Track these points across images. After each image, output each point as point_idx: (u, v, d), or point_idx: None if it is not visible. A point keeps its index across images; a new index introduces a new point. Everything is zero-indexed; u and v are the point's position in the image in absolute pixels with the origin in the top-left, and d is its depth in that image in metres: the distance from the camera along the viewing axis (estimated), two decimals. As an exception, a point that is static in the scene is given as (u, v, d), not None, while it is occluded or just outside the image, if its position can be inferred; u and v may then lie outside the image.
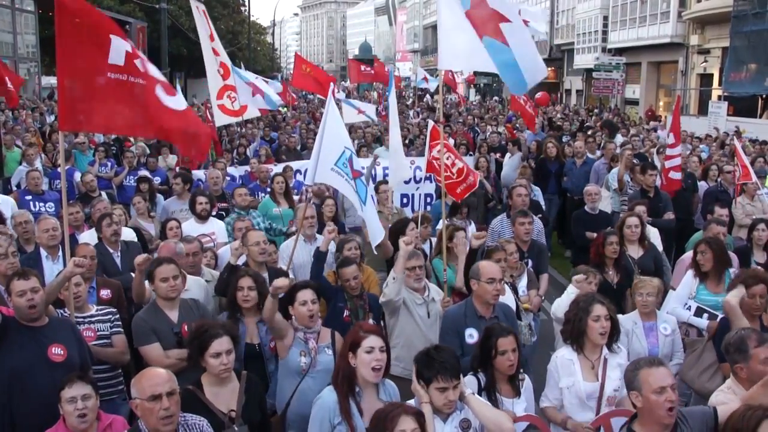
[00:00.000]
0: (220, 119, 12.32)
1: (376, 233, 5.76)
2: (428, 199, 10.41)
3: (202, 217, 7.41)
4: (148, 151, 12.31)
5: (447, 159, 6.92)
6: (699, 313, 5.65)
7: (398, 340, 5.26)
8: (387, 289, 5.08)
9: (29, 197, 8.34)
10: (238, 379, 3.90)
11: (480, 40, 5.71)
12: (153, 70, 4.69)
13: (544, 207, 9.56)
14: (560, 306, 5.17)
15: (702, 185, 10.26)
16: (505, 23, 5.81)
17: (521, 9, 7.45)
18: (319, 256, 5.47)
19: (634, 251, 6.72)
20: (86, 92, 4.54)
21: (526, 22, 6.17)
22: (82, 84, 4.53)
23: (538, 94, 27.25)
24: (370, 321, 5.33)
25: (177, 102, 4.75)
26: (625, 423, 3.63)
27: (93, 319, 4.83)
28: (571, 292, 5.16)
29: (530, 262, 6.55)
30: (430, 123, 8.54)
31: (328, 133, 5.77)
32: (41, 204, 8.25)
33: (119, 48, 4.50)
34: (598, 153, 12.23)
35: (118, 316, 4.97)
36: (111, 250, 6.38)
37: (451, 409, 3.60)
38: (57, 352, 4.11)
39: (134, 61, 4.52)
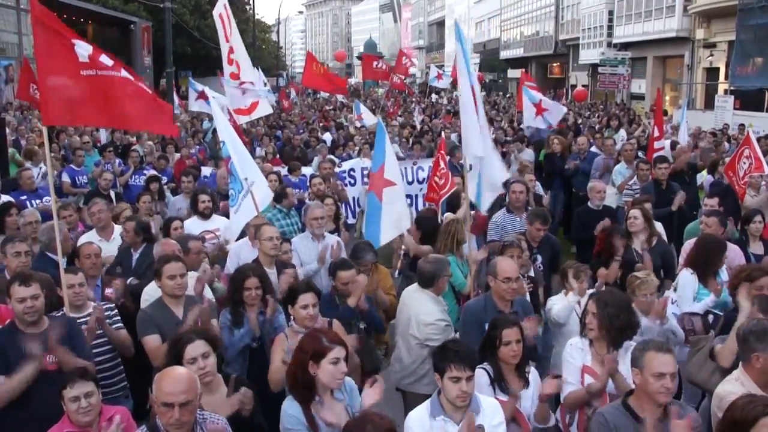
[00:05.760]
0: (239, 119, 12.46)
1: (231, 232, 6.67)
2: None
3: (205, 215, 7.44)
4: (155, 151, 12.30)
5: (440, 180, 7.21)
6: (705, 315, 5.47)
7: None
8: None
9: (24, 197, 8.33)
10: (227, 384, 3.83)
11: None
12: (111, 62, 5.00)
13: (546, 197, 9.50)
14: (560, 312, 5.17)
15: (709, 178, 10.20)
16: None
17: None
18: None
19: (640, 245, 6.58)
20: (65, 88, 4.82)
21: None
22: (60, 81, 4.79)
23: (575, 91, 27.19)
24: (362, 326, 5.24)
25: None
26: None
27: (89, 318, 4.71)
28: (572, 300, 5.15)
29: (539, 258, 6.50)
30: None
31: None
32: (36, 201, 8.25)
33: (82, 49, 4.87)
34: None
35: (116, 311, 4.92)
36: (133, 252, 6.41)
37: (464, 402, 3.53)
38: (52, 360, 4.09)
39: (98, 57, 4.89)
